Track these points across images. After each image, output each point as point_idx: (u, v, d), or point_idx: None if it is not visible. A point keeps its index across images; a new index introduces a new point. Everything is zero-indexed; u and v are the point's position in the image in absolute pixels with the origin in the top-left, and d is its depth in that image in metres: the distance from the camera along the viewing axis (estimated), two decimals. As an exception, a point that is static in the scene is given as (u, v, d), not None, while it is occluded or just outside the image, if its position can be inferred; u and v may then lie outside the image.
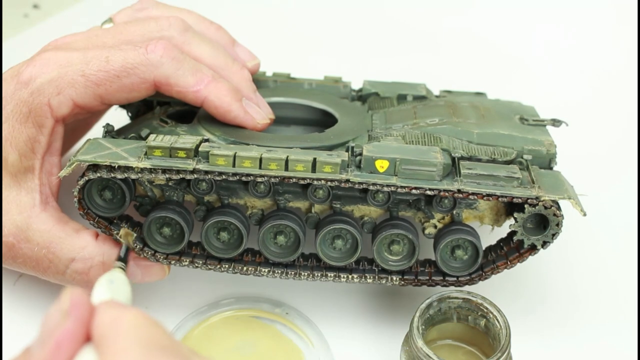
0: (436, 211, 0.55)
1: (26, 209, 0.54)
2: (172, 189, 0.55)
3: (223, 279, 0.59)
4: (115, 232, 0.54)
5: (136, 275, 0.56)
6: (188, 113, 0.60)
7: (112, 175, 0.51)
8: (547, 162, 0.56)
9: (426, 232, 0.56)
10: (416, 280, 0.56)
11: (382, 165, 0.52)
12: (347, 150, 0.54)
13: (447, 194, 0.52)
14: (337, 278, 0.55)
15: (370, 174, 0.52)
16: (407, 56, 0.88)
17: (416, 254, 0.55)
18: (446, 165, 0.52)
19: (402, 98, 0.64)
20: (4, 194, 0.54)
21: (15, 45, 0.84)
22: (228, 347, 0.56)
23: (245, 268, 0.55)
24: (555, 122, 0.60)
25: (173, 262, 0.55)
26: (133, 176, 0.51)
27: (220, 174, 0.51)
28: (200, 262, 0.55)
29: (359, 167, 0.52)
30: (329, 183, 0.52)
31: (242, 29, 0.71)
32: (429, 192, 0.52)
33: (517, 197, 0.52)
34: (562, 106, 0.76)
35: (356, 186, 0.52)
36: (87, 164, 0.51)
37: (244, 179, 0.52)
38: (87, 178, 0.52)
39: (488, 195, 0.52)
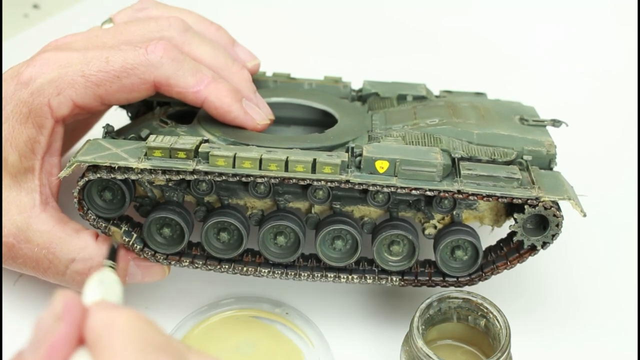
0: (436, 212, 0.55)
1: (26, 210, 0.54)
2: (172, 189, 0.55)
3: (223, 279, 0.59)
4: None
5: (136, 276, 0.56)
6: (188, 113, 0.60)
7: (112, 176, 0.51)
8: (547, 162, 0.56)
9: (426, 232, 0.56)
10: (416, 281, 0.56)
11: (382, 165, 0.52)
12: (347, 151, 0.54)
13: (447, 194, 0.52)
14: (337, 279, 0.55)
15: (370, 174, 0.52)
16: (407, 56, 0.88)
17: (416, 255, 0.55)
18: (446, 166, 0.52)
19: (402, 98, 0.64)
20: (3, 195, 0.54)
21: (15, 45, 0.84)
22: (228, 347, 0.56)
23: (245, 269, 0.55)
24: (555, 123, 0.60)
25: (173, 262, 0.55)
26: (133, 177, 0.51)
27: (220, 174, 0.51)
28: (200, 262, 0.55)
29: (358, 167, 0.52)
30: (328, 184, 0.52)
31: (242, 29, 0.71)
32: (429, 193, 0.52)
33: (517, 198, 0.52)
34: (562, 106, 0.76)
35: (356, 187, 0.52)
36: (87, 164, 0.51)
37: (243, 179, 0.52)
38: (87, 179, 0.52)
39: (488, 196, 0.52)
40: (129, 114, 0.64)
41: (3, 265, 0.56)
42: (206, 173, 0.51)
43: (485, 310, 0.53)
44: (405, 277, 0.56)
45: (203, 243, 0.55)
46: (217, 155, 0.51)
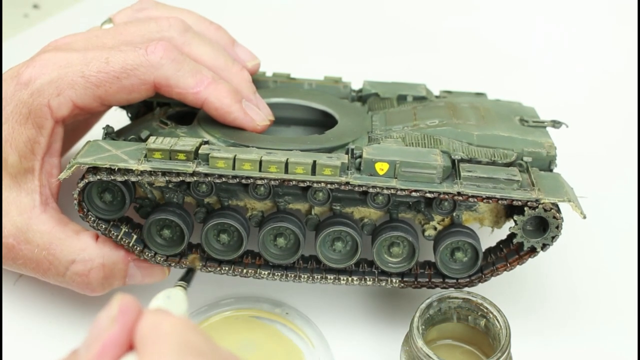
0: (436, 213, 0.55)
1: (26, 210, 0.54)
2: (172, 191, 0.55)
3: (223, 280, 0.59)
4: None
5: (136, 277, 0.56)
6: (188, 114, 0.60)
7: (112, 177, 0.51)
8: (547, 164, 0.56)
9: (426, 234, 0.56)
10: (416, 282, 0.56)
11: (382, 167, 0.52)
12: (347, 153, 0.54)
13: (446, 196, 0.52)
14: (336, 280, 0.55)
15: (370, 176, 0.52)
16: (407, 56, 0.88)
17: (416, 256, 0.55)
18: (446, 168, 0.52)
19: (402, 99, 0.64)
20: (3, 195, 0.54)
21: (15, 45, 0.84)
22: (228, 347, 0.56)
23: (245, 270, 0.55)
24: (556, 124, 0.60)
25: (173, 264, 0.55)
26: (133, 179, 0.51)
27: (220, 176, 0.51)
28: (200, 264, 0.55)
29: (358, 169, 0.52)
30: (328, 186, 0.52)
31: (242, 29, 0.70)
32: (428, 195, 0.52)
33: (516, 200, 0.52)
34: (562, 107, 0.76)
35: (356, 189, 0.52)
36: (87, 166, 0.51)
37: (243, 181, 0.52)
38: (87, 180, 0.52)
39: (488, 198, 0.52)
40: (129, 115, 0.64)
41: (3, 266, 0.56)
42: (206, 175, 0.51)
43: (485, 310, 0.53)
44: (405, 279, 0.56)
45: (203, 244, 0.55)
46: (217, 157, 0.51)
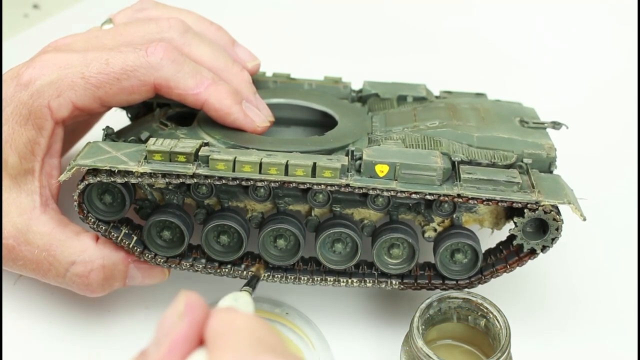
0: (436, 215, 0.55)
1: (26, 211, 0.54)
2: (172, 192, 0.55)
3: (223, 280, 0.59)
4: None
5: (136, 278, 0.56)
6: (188, 114, 0.60)
7: (112, 179, 0.51)
8: (547, 165, 0.56)
9: (426, 235, 0.56)
10: (416, 284, 0.56)
11: (382, 169, 0.52)
12: (347, 154, 0.54)
13: (446, 198, 0.52)
14: (336, 282, 0.55)
15: (370, 178, 0.52)
16: (407, 56, 0.88)
17: (416, 258, 0.55)
18: (446, 170, 0.52)
19: (402, 99, 0.64)
20: (3, 196, 0.54)
21: (15, 45, 0.84)
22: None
23: (245, 272, 0.55)
24: (556, 125, 0.60)
25: (173, 265, 0.55)
26: (133, 180, 0.51)
27: (220, 178, 0.51)
28: (200, 265, 0.55)
29: (358, 171, 0.52)
30: (328, 187, 0.52)
31: (242, 29, 0.70)
32: (428, 197, 0.52)
33: (516, 202, 0.52)
34: (562, 108, 0.76)
35: (356, 191, 0.52)
36: (87, 168, 0.51)
37: (243, 183, 0.52)
38: (87, 182, 0.52)
39: (488, 200, 0.52)
40: (129, 115, 0.64)
41: (3, 267, 0.56)
42: (206, 177, 0.51)
43: (485, 310, 0.53)
44: (404, 280, 0.56)
45: (203, 246, 0.55)
46: (217, 159, 0.51)
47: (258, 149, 0.54)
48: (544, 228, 0.53)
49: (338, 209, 0.55)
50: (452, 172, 0.53)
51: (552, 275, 0.63)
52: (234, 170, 0.51)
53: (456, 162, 0.54)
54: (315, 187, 0.52)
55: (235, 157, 0.51)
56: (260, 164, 0.51)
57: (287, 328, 0.58)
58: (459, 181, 0.52)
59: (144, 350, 0.37)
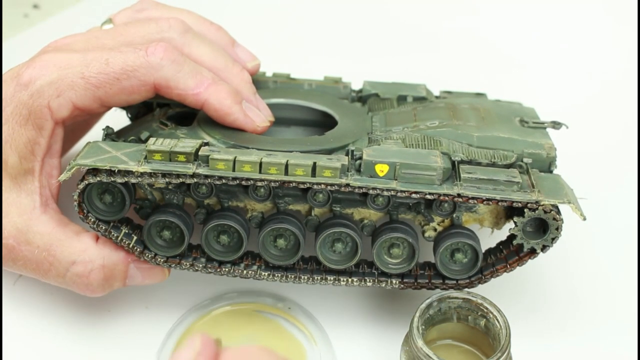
0: (436, 214, 0.55)
1: (26, 211, 0.54)
2: (172, 192, 0.55)
3: (223, 280, 0.59)
4: None
5: (136, 278, 0.56)
6: (188, 114, 0.60)
7: (112, 179, 0.51)
8: (547, 165, 0.56)
9: (426, 235, 0.56)
10: (416, 284, 0.56)
11: (382, 169, 0.52)
12: (347, 154, 0.54)
13: (446, 198, 0.52)
14: (336, 282, 0.55)
15: (370, 178, 0.52)
16: (407, 56, 0.88)
17: (416, 257, 0.55)
18: (446, 169, 0.52)
19: (402, 99, 0.64)
20: (4, 196, 0.54)
21: (15, 45, 0.84)
22: (230, 340, 0.56)
23: (245, 271, 0.55)
24: (556, 125, 0.60)
25: (173, 265, 0.55)
26: (133, 180, 0.51)
27: (220, 178, 0.51)
28: (200, 265, 0.55)
29: (358, 171, 0.52)
30: (328, 187, 0.52)
31: (242, 29, 0.70)
32: (428, 197, 0.52)
33: (516, 202, 0.52)
34: (562, 108, 0.76)
35: (356, 190, 0.52)
36: (87, 167, 0.51)
37: (243, 183, 0.52)
38: (87, 182, 0.52)
39: (488, 199, 0.52)
40: (129, 115, 0.64)
41: (3, 267, 0.56)
42: (206, 176, 0.51)
43: (485, 310, 0.53)
44: (404, 280, 0.56)
45: (203, 246, 0.55)
46: (217, 159, 0.51)
47: (258, 148, 0.54)
48: (544, 228, 0.53)
49: (338, 209, 0.55)
50: (452, 172, 0.53)
51: (552, 275, 0.63)
52: (234, 170, 0.51)
53: (456, 162, 0.54)
54: (315, 186, 0.52)
55: (235, 157, 0.51)
56: (260, 164, 0.51)
57: (290, 323, 0.58)
58: (459, 181, 0.52)
59: None
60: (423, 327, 0.52)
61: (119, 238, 0.54)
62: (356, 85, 0.67)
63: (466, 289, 0.55)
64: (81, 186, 0.52)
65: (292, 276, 0.55)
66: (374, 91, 0.65)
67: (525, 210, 0.52)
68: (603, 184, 0.71)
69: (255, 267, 0.56)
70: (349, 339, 0.58)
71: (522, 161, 0.55)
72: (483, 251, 0.55)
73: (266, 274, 0.55)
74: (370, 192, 0.52)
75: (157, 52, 0.54)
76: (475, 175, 0.52)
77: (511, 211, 0.55)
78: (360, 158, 0.52)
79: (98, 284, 0.54)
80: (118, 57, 0.54)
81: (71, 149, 0.65)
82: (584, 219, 0.52)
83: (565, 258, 0.64)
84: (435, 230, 0.56)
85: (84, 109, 0.55)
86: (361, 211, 0.56)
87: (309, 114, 0.64)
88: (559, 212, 0.53)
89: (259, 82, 0.64)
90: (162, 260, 0.55)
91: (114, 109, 0.63)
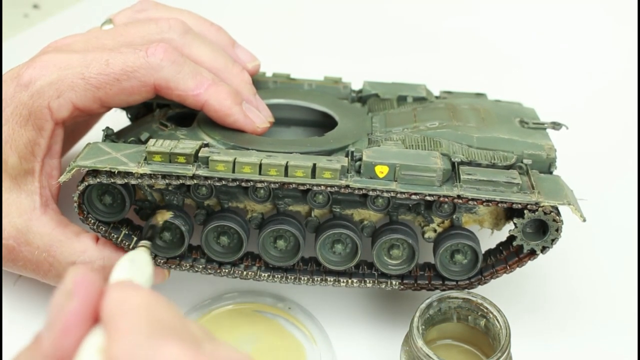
0: (436, 215, 0.55)
1: (26, 212, 0.54)
2: (172, 193, 0.55)
3: (223, 280, 0.59)
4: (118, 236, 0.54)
5: (136, 279, 0.56)
6: (188, 115, 0.60)
7: (112, 180, 0.51)
8: (547, 166, 0.56)
9: (426, 236, 0.56)
10: (415, 285, 0.56)
11: (381, 170, 0.52)
12: (346, 155, 0.54)
13: (446, 199, 0.52)
14: (336, 283, 0.55)
15: (370, 179, 0.52)
16: (407, 56, 0.88)
17: (416, 258, 0.55)
18: (446, 171, 0.52)
19: (402, 99, 0.64)
20: (4, 197, 0.54)
21: (15, 45, 0.84)
22: (230, 340, 0.56)
23: (245, 272, 0.55)
24: (556, 126, 0.60)
25: (173, 266, 0.55)
26: (133, 181, 0.51)
27: (220, 179, 0.51)
28: (200, 266, 0.55)
29: (358, 172, 0.52)
30: (328, 188, 0.52)
31: (242, 29, 0.70)
32: (428, 198, 0.52)
33: (516, 203, 0.52)
34: (562, 108, 0.76)
35: (356, 192, 0.52)
36: (87, 169, 0.51)
37: (243, 184, 0.52)
38: (86, 183, 0.52)
39: (487, 201, 0.52)
40: (129, 116, 0.64)
41: (3, 268, 0.56)
42: (206, 178, 0.51)
43: (485, 310, 0.53)
44: (404, 281, 0.56)
45: (203, 247, 0.55)
46: (216, 160, 0.51)
47: (258, 149, 0.54)
48: (544, 229, 0.53)
49: (338, 210, 0.55)
50: (452, 173, 0.53)
51: (552, 275, 0.63)
52: (233, 171, 0.51)
53: (456, 163, 0.54)
54: (315, 188, 0.52)
55: (235, 158, 0.51)
56: (260, 165, 0.51)
57: (290, 323, 0.58)
58: (459, 182, 0.52)
59: (37, 334, 0.35)
60: (423, 327, 0.52)
61: (119, 239, 0.54)
62: (356, 86, 0.67)
63: (466, 290, 0.55)
64: (81, 187, 0.52)
65: (292, 277, 0.56)
66: (374, 91, 0.65)
67: (525, 211, 0.52)
68: (603, 185, 0.71)
69: (255, 268, 0.56)
70: (349, 339, 0.58)
71: (522, 162, 0.55)
72: (483, 252, 0.55)
73: (266, 275, 0.55)
74: (370, 193, 0.52)
75: (157, 53, 0.54)
76: (475, 176, 0.52)
77: (511, 212, 0.55)
78: (360, 159, 0.52)
79: (98, 285, 0.54)
80: (118, 57, 0.54)
81: (71, 150, 0.65)
82: (584, 220, 0.52)
83: (565, 259, 0.64)
84: (435, 231, 0.56)
85: (84, 110, 0.55)
86: (361, 212, 0.56)
87: (309, 115, 0.64)
88: (558, 214, 0.53)
89: (259, 82, 0.64)
90: (162, 261, 0.55)
91: (114, 109, 0.63)
